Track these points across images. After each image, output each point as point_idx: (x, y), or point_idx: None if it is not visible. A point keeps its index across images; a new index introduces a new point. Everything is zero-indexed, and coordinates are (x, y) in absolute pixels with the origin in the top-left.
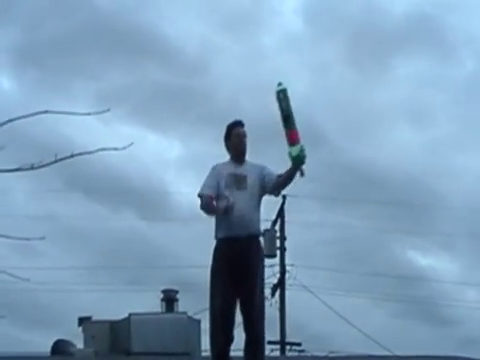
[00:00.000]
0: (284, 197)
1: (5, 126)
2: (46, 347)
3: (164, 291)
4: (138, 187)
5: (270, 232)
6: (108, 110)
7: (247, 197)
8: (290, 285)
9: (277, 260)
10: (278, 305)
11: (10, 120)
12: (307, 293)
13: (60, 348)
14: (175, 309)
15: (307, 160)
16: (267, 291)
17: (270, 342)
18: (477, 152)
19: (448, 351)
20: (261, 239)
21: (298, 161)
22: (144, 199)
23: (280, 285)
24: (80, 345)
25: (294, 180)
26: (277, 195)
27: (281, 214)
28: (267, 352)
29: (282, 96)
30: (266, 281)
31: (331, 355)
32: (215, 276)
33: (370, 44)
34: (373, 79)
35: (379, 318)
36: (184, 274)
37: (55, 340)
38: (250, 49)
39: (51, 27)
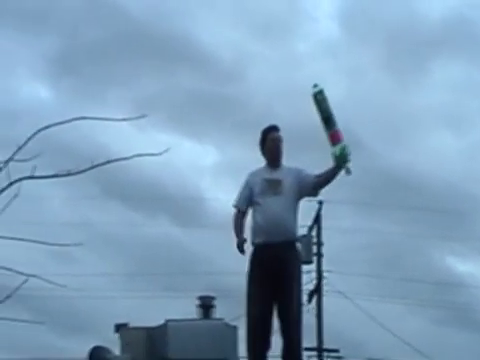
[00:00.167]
0: (320, 203)
1: (42, 133)
2: (83, 354)
3: (201, 297)
4: (174, 194)
5: (307, 238)
6: (145, 116)
7: (282, 202)
8: (327, 291)
9: (314, 266)
10: (315, 311)
11: (47, 126)
12: (344, 299)
13: (97, 355)
14: (212, 316)
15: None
16: (304, 297)
17: (307, 348)
18: None
19: None
20: (298, 244)
21: (342, 160)
22: (180, 206)
23: (317, 291)
24: (117, 352)
25: (337, 178)
26: (316, 195)
27: (318, 220)
28: (304, 359)
29: (320, 97)
30: (303, 287)
31: None
32: (252, 282)
33: (407, 48)
34: (410, 84)
35: (417, 324)
36: (221, 280)
37: (92, 347)
38: (285, 55)
39: (87, 35)
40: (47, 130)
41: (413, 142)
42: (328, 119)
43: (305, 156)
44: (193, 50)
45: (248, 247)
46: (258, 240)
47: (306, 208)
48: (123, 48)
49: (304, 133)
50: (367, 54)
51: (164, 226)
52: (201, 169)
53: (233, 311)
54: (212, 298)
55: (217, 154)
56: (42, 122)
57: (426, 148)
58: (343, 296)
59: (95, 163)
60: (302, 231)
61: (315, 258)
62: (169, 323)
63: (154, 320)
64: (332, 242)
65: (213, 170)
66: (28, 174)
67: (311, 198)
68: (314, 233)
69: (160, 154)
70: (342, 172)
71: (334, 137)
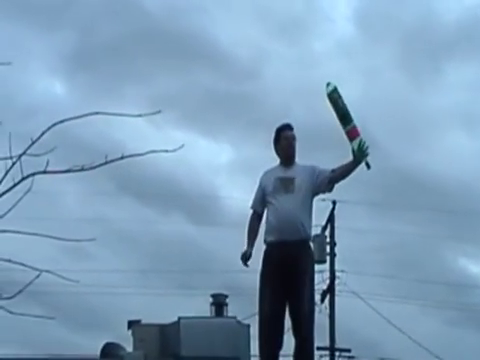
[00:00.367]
0: (334, 203)
1: (56, 128)
2: (95, 350)
3: (214, 295)
4: (188, 191)
5: (320, 238)
6: (159, 111)
7: (295, 200)
8: (340, 291)
9: (327, 266)
10: (328, 311)
11: (61, 121)
12: (357, 299)
13: (109, 351)
14: (224, 314)
15: (359, 167)
16: (317, 297)
17: (319, 348)
18: None
19: None
20: (311, 243)
21: (360, 154)
22: (194, 203)
23: (330, 291)
24: (129, 348)
25: (353, 175)
26: (331, 190)
27: (331, 220)
28: (316, 358)
29: (335, 96)
30: (316, 287)
31: None
32: (264, 280)
33: (423, 49)
34: (426, 84)
35: (430, 325)
36: (234, 279)
37: (104, 343)
38: (302, 54)
39: (103, 32)
40: (62, 125)
41: (428, 142)
42: (344, 116)
43: (321, 155)
44: (210, 48)
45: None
46: (270, 239)
47: (320, 208)
48: (140, 45)
49: (320, 132)
50: (383, 54)
51: (178, 223)
52: (216, 167)
53: (246, 309)
54: (225, 296)
55: (232, 152)
56: (57, 117)
57: (441, 148)
58: (356, 296)
59: (109, 159)
60: (315, 231)
61: (328, 258)
62: (182, 320)
63: (167, 317)
64: (345, 242)
65: (228, 168)
66: (41, 169)
67: (326, 194)
68: (327, 233)
69: (175, 151)
70: (362, 166)
71: (352, 133)
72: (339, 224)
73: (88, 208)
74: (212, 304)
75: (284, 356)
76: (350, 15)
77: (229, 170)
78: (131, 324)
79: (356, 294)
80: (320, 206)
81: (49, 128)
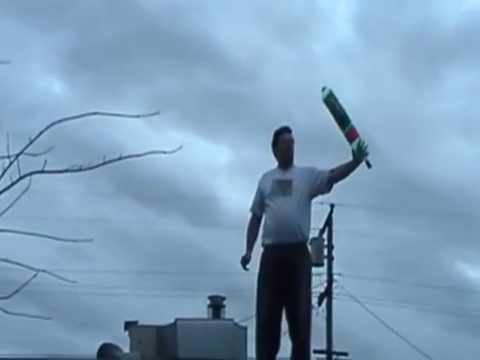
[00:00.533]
0: (332, 206)
1: (55, 127)
2: (92, 350)
3: (211, 297)
4: (187, 192)
5: (318, 241)
6: (158, 113)
7: (293, 202)
8: (337, 294)
9: (324, 269)
10: (325, 314)
11: (59, 120)
12: (354, 303)
13: (106, 352)
14: (222, 316)
15: (359, 168)
16: (314, 300)
17: (316, 351)
18: None
19: None
20: (308, 246)
21: (360, 154)
22: (193, 205)
23: (327, 294)
24: (126, 349)
25: (351, 176)
26: (329, 191)
27: (329, 223)
28: None
29: (332, 100)
30: (313, 290)
31: None
32: (261, 283)
33: (422, 54)
34: (425, 89)
35: (427, 330)
36: (231, 281)
37: (101, 344)
38: (302, 57)
39: (104, 32)
40: (61, 125)
41: (426, 147)
42: (342, 118)
43: (320, 157)
44: (210, 49)
45: (250, 265)
46: (268, 241)
47: (318, 211)
48: (139, 45)
49: (319, 134)
50: (382, 59)
51: (176, 224)
52: (215, 168)
53: (243, 312)
54: (222, 298)
55: (231, 154)
56: (56, 117)
57: (439, 153)
58: (353, 300)
59: (107, 159)
60: (313, 233)
61: (326, 261)
62: (179, 322)
63: (164, 319)
64: (343, 245)
65: (227, 170)
66: (39, 168)
67: (325, 194)
68: (325, 236)
69: (173, 152)
70: (363, 166)
71: (351, 135)
72: (337, 227)
73: (86, 208)
74: (209, 306)
75: (281, 359)
76: (350, 18)
77: (228, 172)
78: (128, 325)
79: (353, 297)
80: (318, 209)
81: (47, 128)
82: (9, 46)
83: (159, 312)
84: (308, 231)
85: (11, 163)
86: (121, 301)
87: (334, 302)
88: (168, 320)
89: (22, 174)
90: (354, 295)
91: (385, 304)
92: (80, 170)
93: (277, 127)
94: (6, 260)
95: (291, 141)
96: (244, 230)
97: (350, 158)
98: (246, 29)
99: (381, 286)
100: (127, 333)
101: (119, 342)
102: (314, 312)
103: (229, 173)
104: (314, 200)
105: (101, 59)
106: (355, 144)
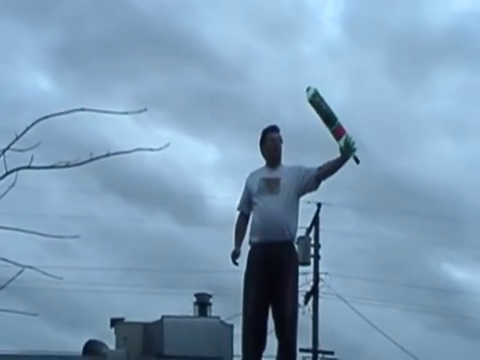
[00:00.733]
0: (319, 205)
1: (41, 124)
2: (78, 347)
3: (197, 295)
4: (174, 190)
5: (304, 240)
6: (145, 110)
7: (280, 201)
8: (323, 293)
9: (311, 268)
10: (311, 313)
11: (46, 116)
12: (340, 302)
13: (92, 348)
14: (208, 313)
15: (346, 167)
16: (300, 299)
17: (302, 350)
18: None
19: None
20: (295, 245)
21: (348, 150)
22: (180, 202)
23: (313, 293)
24: (112, 346)
25: (338, 174)
26: (317, 188)
27: (316, 222)
28: None
29: (317, 99)
30: (299, 289)
31: None
32: (248, 281)
33: (410, 55)
34: (412, 90)
35: (413, 330)
36: (218, 279)
37: (87, 340)
38: (290, 57)
39: (92, 29)
40: (48, 121)
41: (414, 148)
42: (329, 117)
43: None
44: (199, 48)
45: (240, 259)
46: (255, 239)
47: (305, 210)
48: (128, 43)
49: (307, 134)
50: (370, 59)
51: (163, 222)
52: (202, 167)
53: (229, 310)
54: (209, 296)
55: (218, 153)
56: (44, 113)
57: (426, 154)
58: (339, 299)
59: (94, 156)
60: (300, 233)
61: (312, 260)
62: (165, 319)
63: (150, 316)
64: (330, 244)
65: (214, 168)
66: (26, 164)
67: (312, 192)
68: (312, 235)
69: (160, 149)
70: (351, 162)
71: (338, 132)
72: (324, 226)
73: (73, 205)
74: (196, 304)
75: (267, 357)
76: (337, 18)
77: (215, 170)
78: (114, 322)
79: (340, 297)
80: (305, 208)
81: (34, 123)
82: None
83: (145, 309)
84: (295, 230)
85: None
86: (107, 298)
87: (320, 301)
88: (154, 317)
89: (8, 170)
90: (340, 294)
91: (371, 304)
92: (67, 166)
93: (265, 126)
94: None
95: (279, 140)
96: (231, 228)
97: (338, 155)
98: (235, 28)
99: (367, 286)
100: (113, 330)
101: (105, 339)
102: (300, 311)
103: (216, 172)
104: (301, 199)
105: (89, 56)
106: (342, 141)
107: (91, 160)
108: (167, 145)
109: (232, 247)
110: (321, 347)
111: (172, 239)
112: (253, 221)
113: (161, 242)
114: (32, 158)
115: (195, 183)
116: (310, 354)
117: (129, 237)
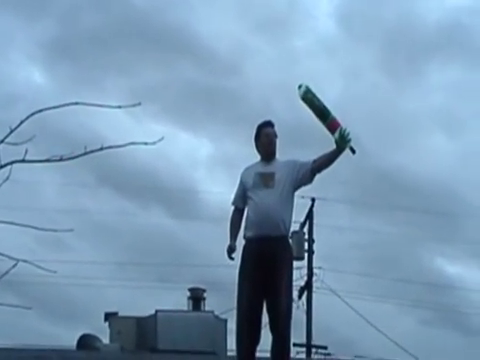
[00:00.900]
0: (313, 200)
1: (35, 117)
2: (72, 341)
3: (191, 289)
4: (168, 185)
5: (298, 234)
6: (139, 104)
7: (275, 195)
8: (317, 288)
9: (305, 262)
10: (305, 307)
11: (41, 110)
12: (334, 296)
13: (86, 342)
14: (202, 308)
15: (340, 162)
16: (294, 293)
17: (296, 344)
18: None
19: None
20: (290, 240)
21: (343, 141)
22: (173, 197)
23: (307, 288)
24: (106, 340)
25: (334, 166)
26: (311, 181)
27: (310, 216)
28: (293, 354)
29: (309, 96)
30: (293, 283)
31: (357, 359)
32: (242, 276)
33: (404, 50)
34: (406, 86)
35: (406, 324)
36: (212, 273)
37: (81, 334)
38: (283, 51)
39: (86, 22)
40: (42, 115)
41: (407, 143)
42: (322, 112)
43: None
44: (192, 42)
45: (237, 253)
46: (249, 234)
47: (299, 204)
48: (122, 37)
49: (301, 129)
50: (364, 54)
51: (157, 216)
52: (195, 161)
53: (224, 304)
54: (203, 290)
55: (212, 147)
56: (37, 107)
57: (420, 149)
58: (333, 293)
59: (88, 149)
60: (294, 227)
61: (306, 254)
62: (159, 313)
63: (144, 310)
64: (324, 239)
65: (208, 163)
66: (20, 158)
67: (307, 185)
68: (306, 229)
69: (154, 143)
70: (347, 152)
71: (332, 125)
72: (318, 221)
73: (66, 199)
74: (190, 298)
75: (261, 351)
76: (332, 13)
77: (208, 165)
78: (108, 316)
79: (333, 291)
80: (299, 203)
81: (28, 117)
82: None
83: (139, 303)
84: (290, 224)
85: None
86: (101, 292)
87: (314, 296)
88: (148, 311)
89: (2, 163)
90: (334, 289)
91: (365, 298)
92: (61, 160)
93: (259, 121)
94: None
95: (274, 135)
96: (225, 223)
97: (333, 148)
98: (229, 22)
99: (361, 280)
100: (107, 324)
101: (99, 333)
102: (294, 305)
103: (210, 166)
104: (295, 193)
105: (83, 50)
106: (337, 133)
107: (85, 154)
108: (161, 139)
109: (227, 242)
110: (314, 342)
111: (166, 233)
112: (248, 216)
113: (155, 236)
114: (26, 152)
115: (189, 177)
116: (304, 349)
117: (123, 231)
